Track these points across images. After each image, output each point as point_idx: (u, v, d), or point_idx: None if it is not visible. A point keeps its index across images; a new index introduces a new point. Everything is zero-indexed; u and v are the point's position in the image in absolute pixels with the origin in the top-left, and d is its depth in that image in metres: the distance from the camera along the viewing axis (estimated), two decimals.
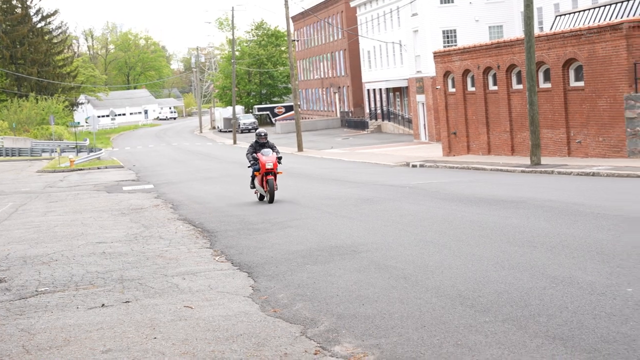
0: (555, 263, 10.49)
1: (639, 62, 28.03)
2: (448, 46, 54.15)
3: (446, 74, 41.60)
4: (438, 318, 8.24)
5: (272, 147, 21.87)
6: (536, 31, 42.01)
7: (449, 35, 57.41)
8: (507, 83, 35.96)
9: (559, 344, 7.04)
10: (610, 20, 33.84)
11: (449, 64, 40.93)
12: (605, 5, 36.37)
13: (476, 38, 52.73)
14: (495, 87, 37.12)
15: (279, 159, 21.48)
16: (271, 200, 21.13)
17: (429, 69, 54.50)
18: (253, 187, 22.04)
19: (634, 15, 33.41)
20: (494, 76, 37.21)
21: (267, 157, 21.23)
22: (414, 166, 35.75)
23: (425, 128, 59.87)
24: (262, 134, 22.08)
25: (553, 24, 42.12)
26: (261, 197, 22.03)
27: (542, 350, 6.89)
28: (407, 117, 67.30)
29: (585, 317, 7.79)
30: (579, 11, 39.08)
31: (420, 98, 60.13)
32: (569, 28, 34.21)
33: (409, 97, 64.61)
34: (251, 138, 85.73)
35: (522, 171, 28.00)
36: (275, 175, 21.35)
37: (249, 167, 22.23)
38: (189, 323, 8.95)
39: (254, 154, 21.61)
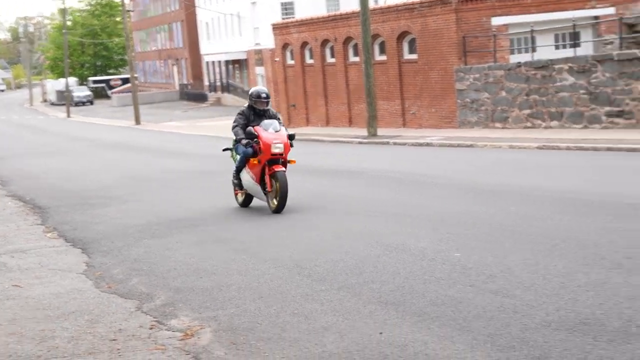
0: (390, 231, 10.79)
1: (468, 36, 29.16)
2: (286, 18, 54.31)
3: (285, 46, 41.74)
4: (276, 288, 8.30)
5: (276, 117, 13.73)
6: (371, 4, 42.84)
7: (287, 8, 57.60)
8: (344, 55, 36.52)
9: (391, 308, 7.24)
10: None
11: (288, 36, 41.09)
12: None
13: (314, 10, 53.11)
14: (333, 60, 37.62)
15: (291, 137, 13.29)
16: (279, 209, 12.92)
17: (268, 41, 54.48)
18: (238, 183, 13.84)
19: None
20: (332, 49, 37.69)
21: (271, 134, 13.04)
22: None
23: None
24: (263, 96, 13.36)
25: None
26: (247, 201, 14.01)
27: (375, 316, 7.07)
28: (247, 89, 67.11)
29: (416, 282, 8.06)
30: None
31: (260, 70, 60.14)
32: (402, 2, 35.11)
33: (248, 69, 64.46)
34: (88, 111, 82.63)
35: (360, 142, 28.60)
36: (286, 165, 13.25)
37: (224, 150, 14.83)
38: (17, 302, 8.57)
39: (249, 128, 13.24)
